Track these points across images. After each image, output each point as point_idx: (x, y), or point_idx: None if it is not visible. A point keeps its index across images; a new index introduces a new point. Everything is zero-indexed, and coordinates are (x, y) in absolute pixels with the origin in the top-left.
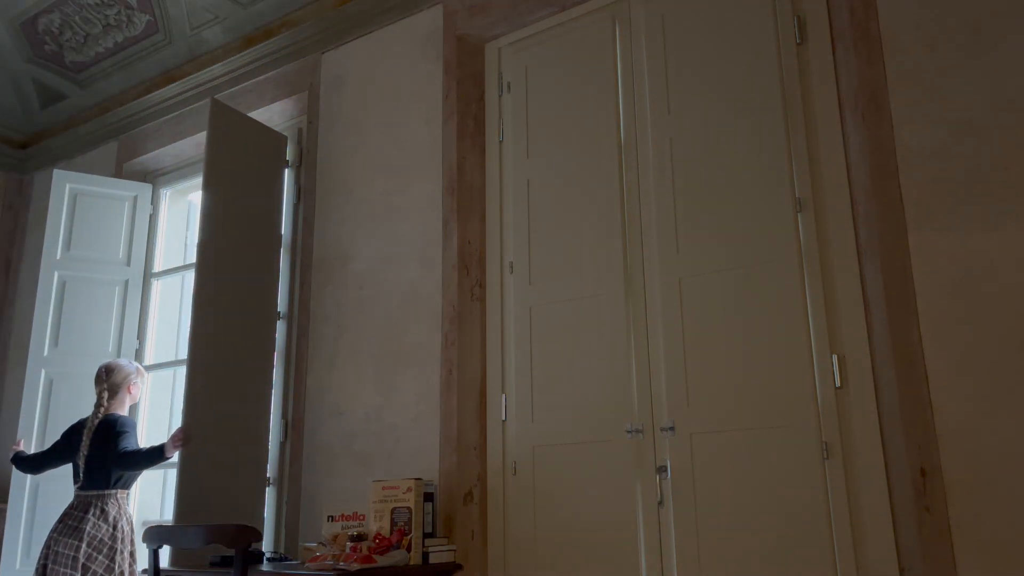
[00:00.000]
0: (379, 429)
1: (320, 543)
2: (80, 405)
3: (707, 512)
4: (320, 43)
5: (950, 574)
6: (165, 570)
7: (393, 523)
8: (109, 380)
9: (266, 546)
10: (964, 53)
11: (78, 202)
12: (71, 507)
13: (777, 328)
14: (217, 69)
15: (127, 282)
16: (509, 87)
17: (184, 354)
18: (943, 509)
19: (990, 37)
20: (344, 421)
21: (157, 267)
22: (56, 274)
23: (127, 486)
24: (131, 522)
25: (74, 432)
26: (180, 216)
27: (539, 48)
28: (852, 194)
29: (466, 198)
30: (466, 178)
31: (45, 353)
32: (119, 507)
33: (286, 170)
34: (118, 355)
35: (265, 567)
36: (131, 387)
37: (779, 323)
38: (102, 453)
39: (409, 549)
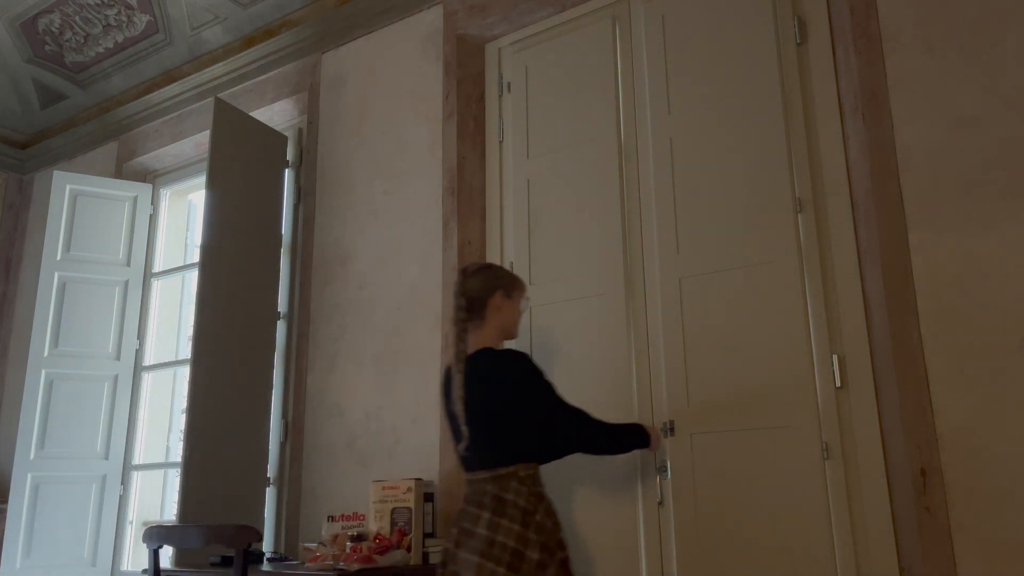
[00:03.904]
0: (379, 429)
1: (320, 543)
2: (80, 405)
3: (707, 512)
4: (320, 43)
5: (950, 574)
6: (166, 570)
7: (393, 523)
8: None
9: (266, 546)
10: (964, 53)
11: (78, 202)
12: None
13: (777, 328)
14: (217, 69)
15: (127, 282)
16: (509, 87)
17: (184, 354)
18: (943, 509)
19: (990, 37)
20: (344, 421)
21: (157, 267)
22: (56, 274)
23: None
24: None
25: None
26: (180, 216)
27: (539, 48)
28: (852, 194)
29: (466, 198)
30: (466, 178)
31: (45, 353)
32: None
33: (286, 170)
34: (118, 356)
35: (265, 567)
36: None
37: (779, 323)
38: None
39: (409, 549)
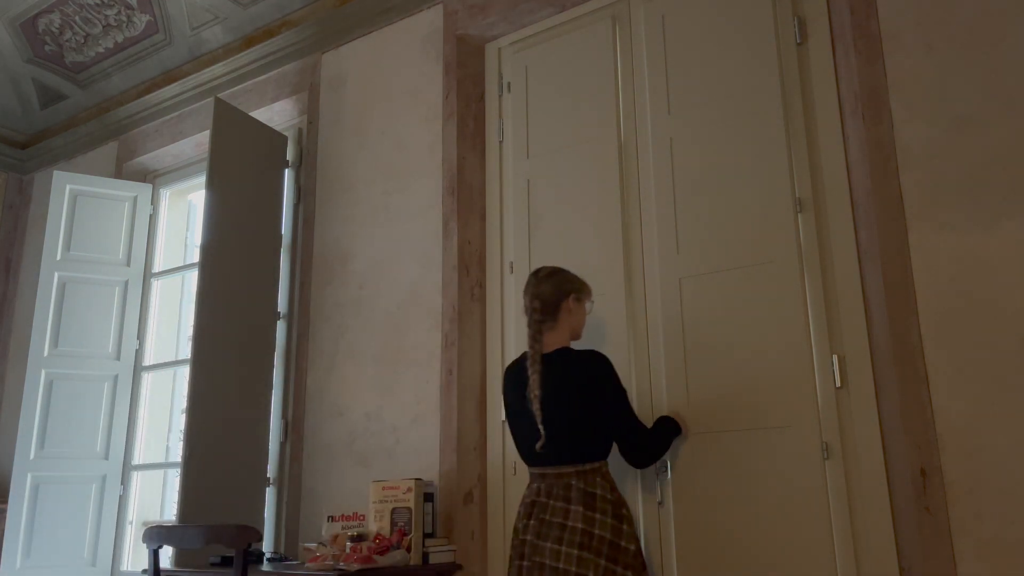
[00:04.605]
0: (379, 429)
1: (320, 543)
2: (80, 405)
3: (707, 512)
4: (320, 43)
5: (950, 574)
6: (166, 570)
7: (393, 523)
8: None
9: (266, 546)
10: (964, 53)
11: (78, 202)
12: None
13: (777, 328)
14: (217, 69)
15: (127, 282)
16: (509, 87)
17: (184, 354)
18: (943, 509)
19: (990, 37)
20: (344, 421)
21: (157, 267)
22: (56, 274)
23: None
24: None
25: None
26: (180, 216)
27: (539, 48)
28: (852, 194)
29: (466, 198)
30: (466, 178)
31: (45, 353)
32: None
33: (286, 170)
34: (118, 356)
35: (265, 567)
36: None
37: (779, 323)
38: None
39: (409, 549)
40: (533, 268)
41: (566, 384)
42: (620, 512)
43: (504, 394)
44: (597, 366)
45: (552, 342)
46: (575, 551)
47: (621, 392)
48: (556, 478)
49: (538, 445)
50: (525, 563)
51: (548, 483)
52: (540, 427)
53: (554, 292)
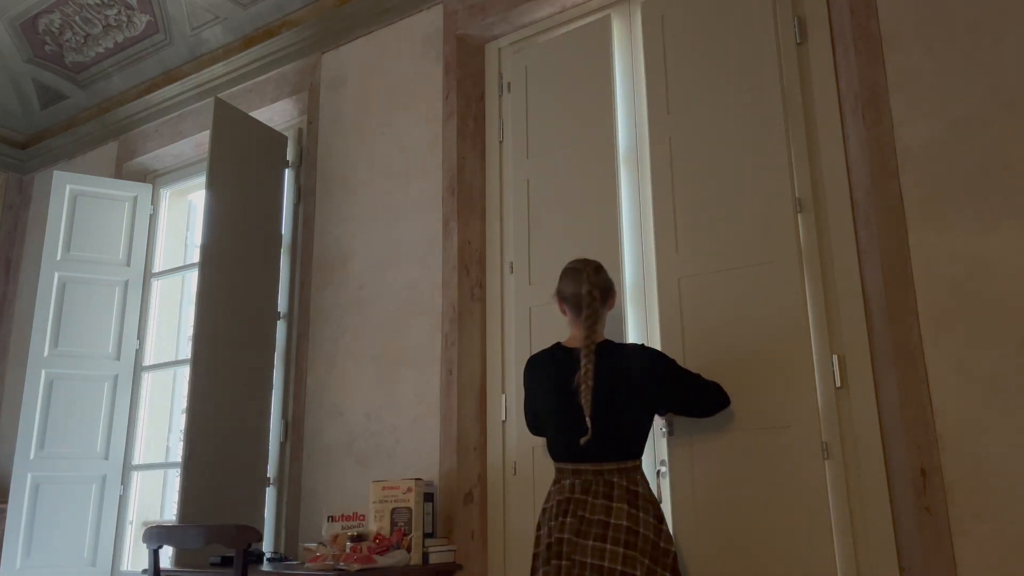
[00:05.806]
0: (379, 429)
1: (320, 543)
2: (80, 405)
3: (707, 512)
4: (320, 43)
5: (950, 574)
6: (166, 570)
7: (393, 523)
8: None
9: (266, 546)
10: (964, 53)
11: (78, 202)
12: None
13: (777, 328)
14: (217, 69)
15: (127, 282)
16: (509, 87)
17: (184, 354)
18: (943, 509)
19: (990, 37)
20: (344, 421)
21: (157, 267)
22: (56, 274)
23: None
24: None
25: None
26: (180, 216)
27: (539, 48)
28: (852, 194)
29: (466, 198)
30: (466, 178)
31: (45, 353)
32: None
33: (286, 170)
34: (118, 356)
35: (265, 567)
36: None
37: (779, 323)
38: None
39: (409, 549)
40: (533, 268)
41: (618, 377)
42: (659, 512)
43: (532, 387)
44: (653, 357)
45: (599, 334)
46: (620, 549)
47: (672, 363)
48: (595, 475)
49: (583, 440)
50: (564, 562)
51: (585, 480)
52: (588, 421)
53: (607, 287)
